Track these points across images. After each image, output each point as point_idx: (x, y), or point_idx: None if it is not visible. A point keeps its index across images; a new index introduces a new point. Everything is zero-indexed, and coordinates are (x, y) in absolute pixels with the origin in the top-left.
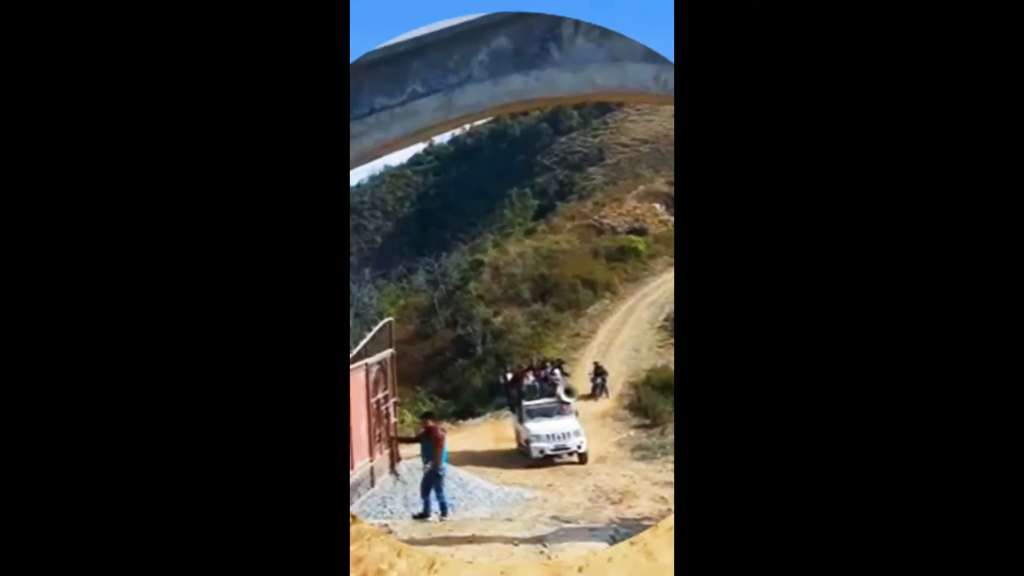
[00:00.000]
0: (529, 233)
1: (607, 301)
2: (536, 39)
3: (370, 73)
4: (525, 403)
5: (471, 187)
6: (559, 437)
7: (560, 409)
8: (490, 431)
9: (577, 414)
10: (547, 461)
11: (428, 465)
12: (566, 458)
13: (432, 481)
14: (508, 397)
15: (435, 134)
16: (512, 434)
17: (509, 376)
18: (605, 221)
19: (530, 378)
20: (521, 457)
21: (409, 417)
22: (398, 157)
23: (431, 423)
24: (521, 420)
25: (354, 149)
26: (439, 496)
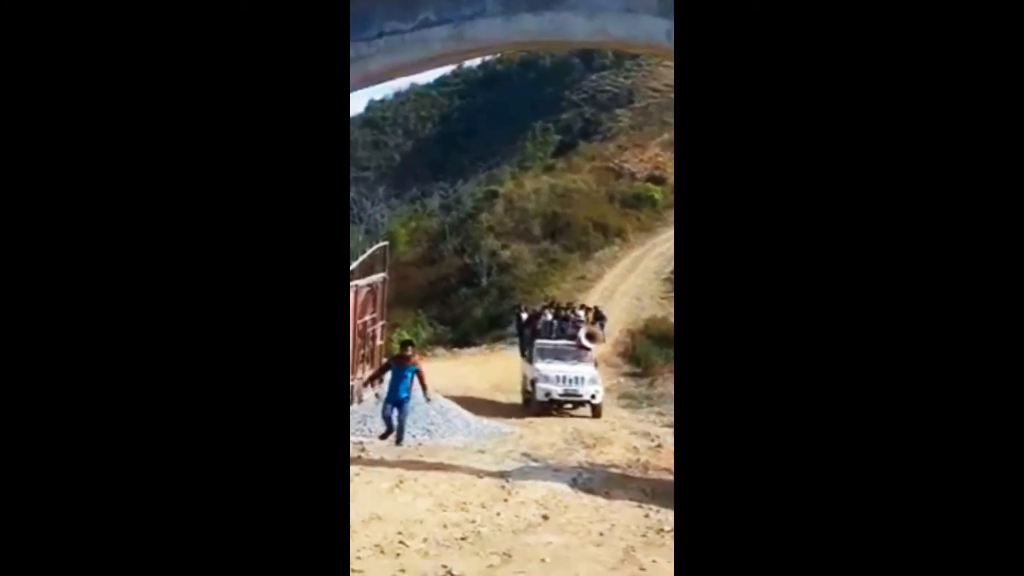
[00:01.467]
0: (548, 169)
1: (616, 247)
2: None
3: None
4: (538, 341)
5: (496, 115)
6: (571, 382)
7: (577, 354)
8: (484, 364)
9: (596, 365)
10: (552, 409)
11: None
12: (573, 409)
13: (392, 408)
14: (521, 338)
15: (442, 65)
16: (517, 379)
17: (524, 316)
18: (625, 166)
19: (548, 316)
20: (524, 406)
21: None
22: (425, 76)
23: (408, 352)
24: (530, 360)
25: (360, 70)
26: (399, 427)
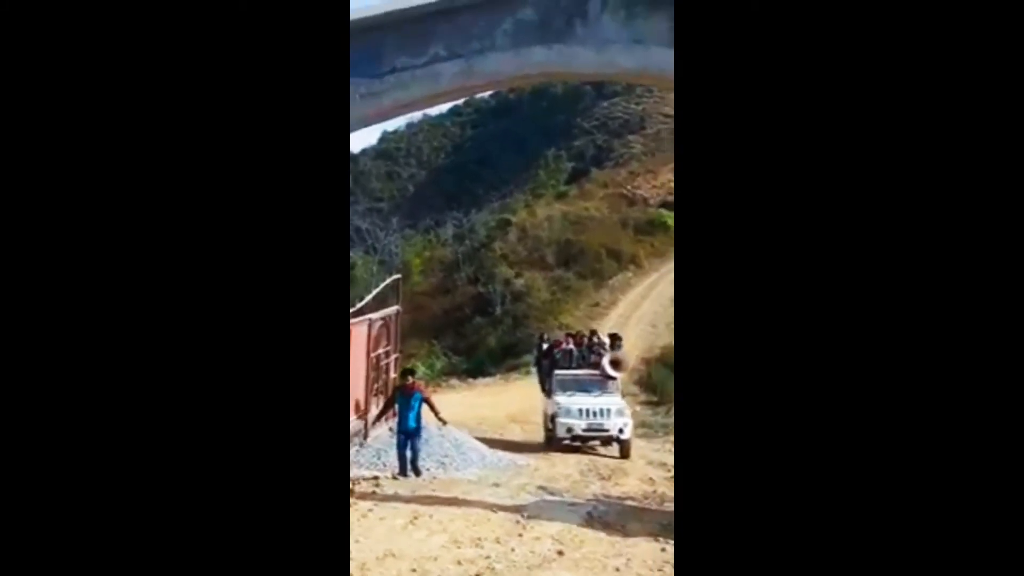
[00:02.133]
0: (560, 197)
1: (630, 274)
2: (562, 13)
3: (394, 31)
4: (558, 372)
5: (508, 144)
6: (596, 415)
7: (602, 384)
8: (500, 395)
9: (624, 396)
10: (577, 447)
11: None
12: (601, 447)
13: (405, 441)
14: (539, 369)
15: (452, 99)
16: (533, 409)
17: (544, 346)
18: (638, 192)
19: (569, 344)
20: (546, 444)
21: (421, 369)
22: (438, 107)
23: (411, 381)
24: (550, 393)
25: (372, 106)
26: (413, 456)
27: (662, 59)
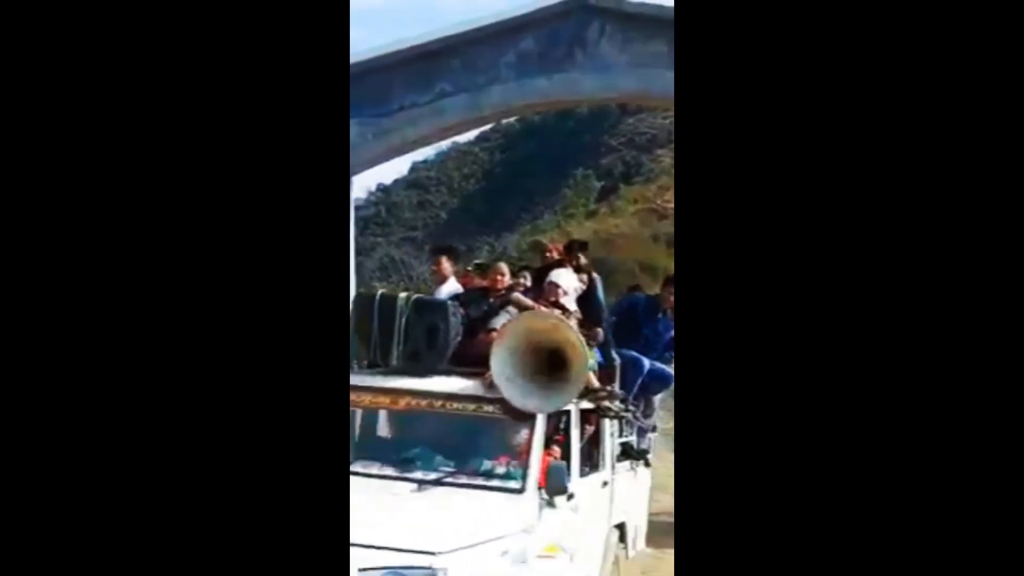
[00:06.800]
0: (591, 215)
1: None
2: (562, 42)
3: (400, 71)
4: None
5: (537, 166)
6: None
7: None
8: None
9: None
10: None
11: None
12: None
13: None
14: None
15: (462, 132)
16: None
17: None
18: (668, 206)
19: (456, 281)
20: None
21: None
22: (466, 134)
23: None
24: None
25: (383, 145)
26: None
27: (661, 81)
